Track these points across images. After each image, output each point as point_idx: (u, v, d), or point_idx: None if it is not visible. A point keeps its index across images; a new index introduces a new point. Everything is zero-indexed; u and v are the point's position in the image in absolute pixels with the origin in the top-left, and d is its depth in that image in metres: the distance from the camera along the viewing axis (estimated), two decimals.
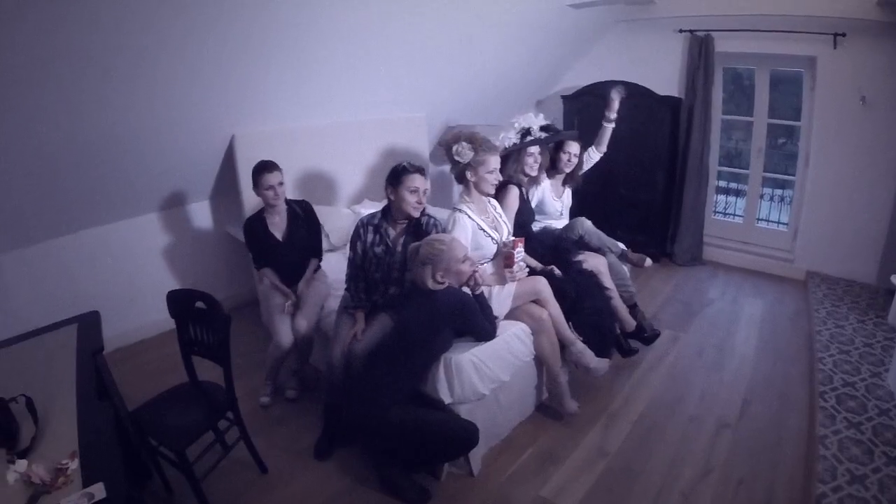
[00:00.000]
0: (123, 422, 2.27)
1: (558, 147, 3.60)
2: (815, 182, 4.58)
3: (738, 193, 5.46)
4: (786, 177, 5.07)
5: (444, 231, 2.79)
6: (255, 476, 2.63)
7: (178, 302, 2.50)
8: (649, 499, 2.45)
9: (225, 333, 2.34)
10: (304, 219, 3.27)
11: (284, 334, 3.00)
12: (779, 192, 5.20)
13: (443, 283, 2.47)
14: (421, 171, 2.72)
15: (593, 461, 2.69)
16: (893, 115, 4.08)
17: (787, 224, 5.08)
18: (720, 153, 5.32)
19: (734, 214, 5.43)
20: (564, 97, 5.47)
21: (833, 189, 4.48)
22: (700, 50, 4.70)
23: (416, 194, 2.68)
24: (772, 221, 5.25)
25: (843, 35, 4.10)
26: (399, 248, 2.76)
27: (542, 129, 3.37)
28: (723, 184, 5.49)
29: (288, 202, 3.25)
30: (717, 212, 5.47)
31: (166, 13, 2.47)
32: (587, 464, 2.68)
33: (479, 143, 2.80)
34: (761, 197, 5.15)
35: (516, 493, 2.51)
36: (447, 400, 2.47)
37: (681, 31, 4.83)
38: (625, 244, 3.81)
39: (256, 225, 3.21)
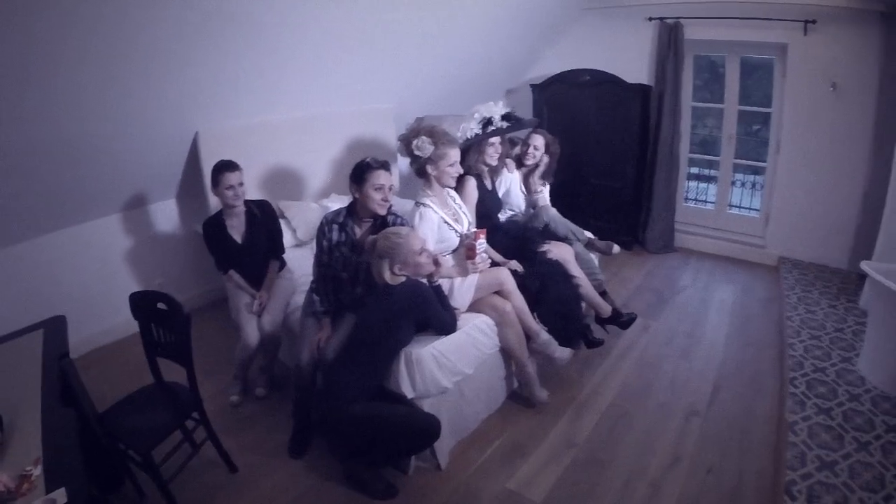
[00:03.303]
0: (92, 426, 2.24)
1: (525, 139, 3.61)
2: (787, 168, 4.60)
3: (709, 180, 5.47)
4: (759, 163, 5.09)
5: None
6: (225, 476, 2.61)
7: (140, 304, 2.47)
8: (617, 489, 2.46)
9: (186, 334, 2.33)
10: (262, 220, 3.21)
11: (251, 333, 2.98)
12: (752, 178, 5.23)
13: (401, 277, 2.45)
14: (386, 166, 2.62)
15: (561, 452, 2.70)
16: (863, 102, 4.12)
17: (758, 210, 5.11)
18: (694, 140, 5.34)
19: (706, 201, 5.45)
20: (533, 86, 5.47)
21: (804, 175, 4.51)
22: (670, 37, 4.69)
23: (382, 191, 2.58)
24: (744, 207, 5.28)
25: (814, 22, 4.12)
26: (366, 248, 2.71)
27: (504, 117, 3.29)
28: (696, 170, 5.51)
29: (246, 203, 3.18)
30: (689, 198, 5.50)
31: (133, 10, 2.43)
32: (555, 455, 2.68)
33: (438, 137, 2.77)
34: (733, 183, 5.18)
35: (484, 486, 2.51)
36: (409, 394, 2.46)
37: (650, 18, 4.83)
38: (596, 233, 3.81)
39: (215, 228, 3.15)
